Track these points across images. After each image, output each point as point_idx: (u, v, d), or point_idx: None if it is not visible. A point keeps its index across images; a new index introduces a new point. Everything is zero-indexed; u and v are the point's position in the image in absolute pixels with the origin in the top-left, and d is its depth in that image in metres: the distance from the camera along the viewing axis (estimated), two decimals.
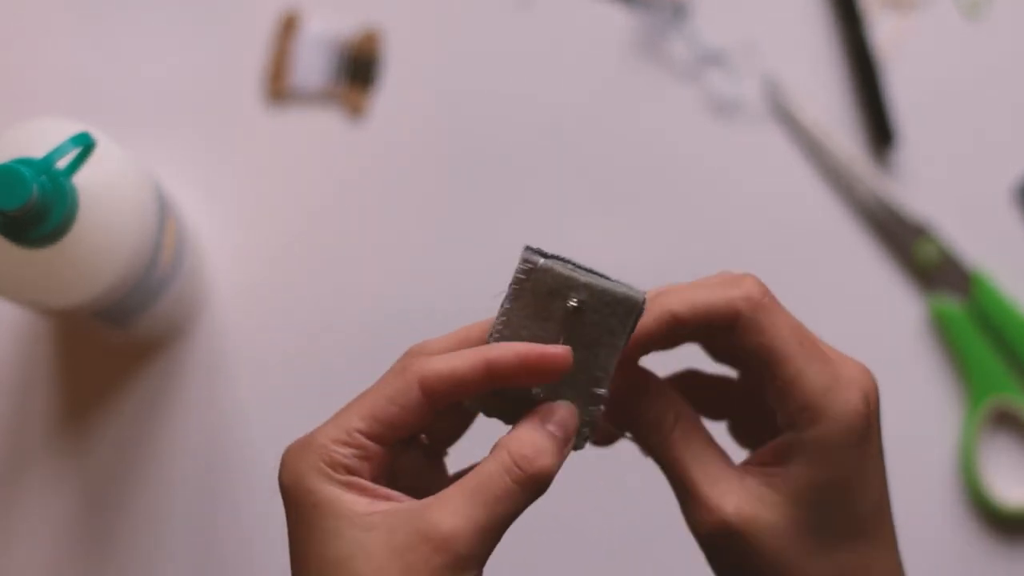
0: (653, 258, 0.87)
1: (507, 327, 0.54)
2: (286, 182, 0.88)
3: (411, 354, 0.54)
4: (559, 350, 0.53)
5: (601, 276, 0.54)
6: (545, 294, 0.54)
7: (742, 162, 0.89)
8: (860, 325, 0.87)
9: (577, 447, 0.54)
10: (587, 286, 0.53)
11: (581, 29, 0.89)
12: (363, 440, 0.52)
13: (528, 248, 0.54)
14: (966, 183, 0.89)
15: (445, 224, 0.88)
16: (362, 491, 0.52)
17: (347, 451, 0.52)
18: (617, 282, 0.54)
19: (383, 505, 0.51)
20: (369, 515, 0.51)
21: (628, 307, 0.53)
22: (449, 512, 0.50)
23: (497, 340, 0.54)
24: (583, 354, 0.54)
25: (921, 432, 0.86)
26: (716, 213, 0.88)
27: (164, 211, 0.74)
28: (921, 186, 0.89)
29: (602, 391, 0.54)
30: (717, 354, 0.59)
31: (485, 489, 0.51)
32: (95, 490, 0.85)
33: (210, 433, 0.86)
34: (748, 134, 0.89)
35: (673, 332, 0.54)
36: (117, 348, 0.86)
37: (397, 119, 0.88)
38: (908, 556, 0.57)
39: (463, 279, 0.87)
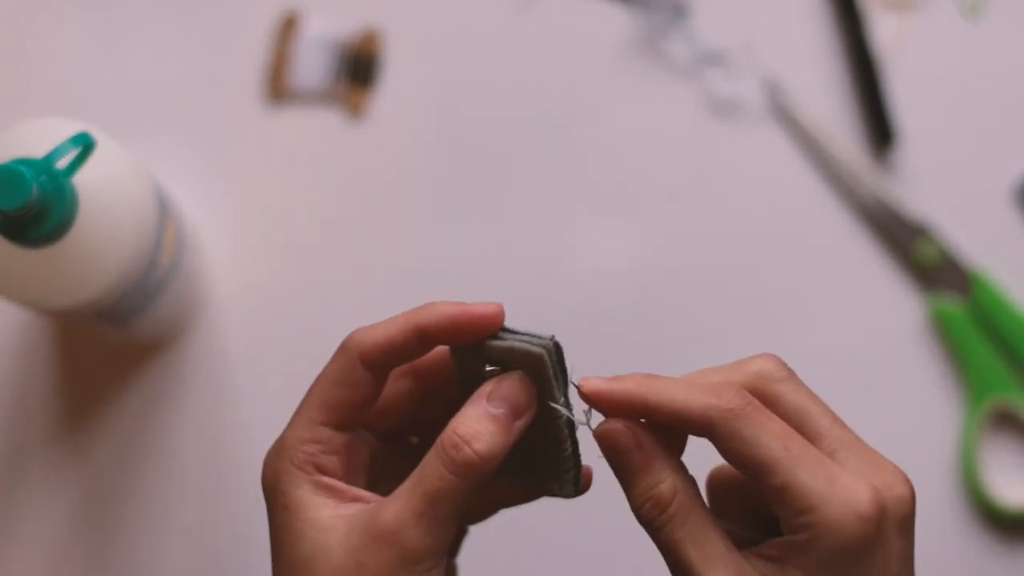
0: (653, 258, 0.87)
1: (457, 407, 0.54)
2: (286, 182, 0.88)
3: (349, 335, 0.55)
4: (487, 307, 0.53)
5: (514, 333, 0.54)
6: (472, 366, 0.54)
7: (742, 162, 0.88)
8: (860, 325, 0.87)
9: (566, 495, 0.54)
10: (495, 348, 0.53)
11: (581, 29, 0.89)
12: (327, 432, 0.54)
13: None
14: (966, 183, 0.89)
15: (445, 224, 0.88)
16: (331, 492, 0.53)
17: (313, 448, 0.54)
18: (526, 336, 0.53)
19: (350, 508, 0.53)
20: (333, 518, 0.52)
21: (537, 361, 0.53)
22: (394, 508, 0.51)
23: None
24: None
25: (921, 432, 0.86)
26: (716, 213, 0.88)
27: (164, 211, 0.74)
28: (921, 186, 0.89)
29: (564, 437, 0.54)
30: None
31: (424, 480, 0.51)
32: (95, 489, 0.85)
33: (209, 433, 0.86)
34: (748, 134, 0.89)
35: (649, 421, 0.53)
36: (117, 348, 0.86)
37: (397, 119, 0.88)
38: None
39: (463, 279, 0.87)
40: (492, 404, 0.52)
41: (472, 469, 0.51)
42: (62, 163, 0.64)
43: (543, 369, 0.53)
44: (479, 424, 0.52)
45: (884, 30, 0.90)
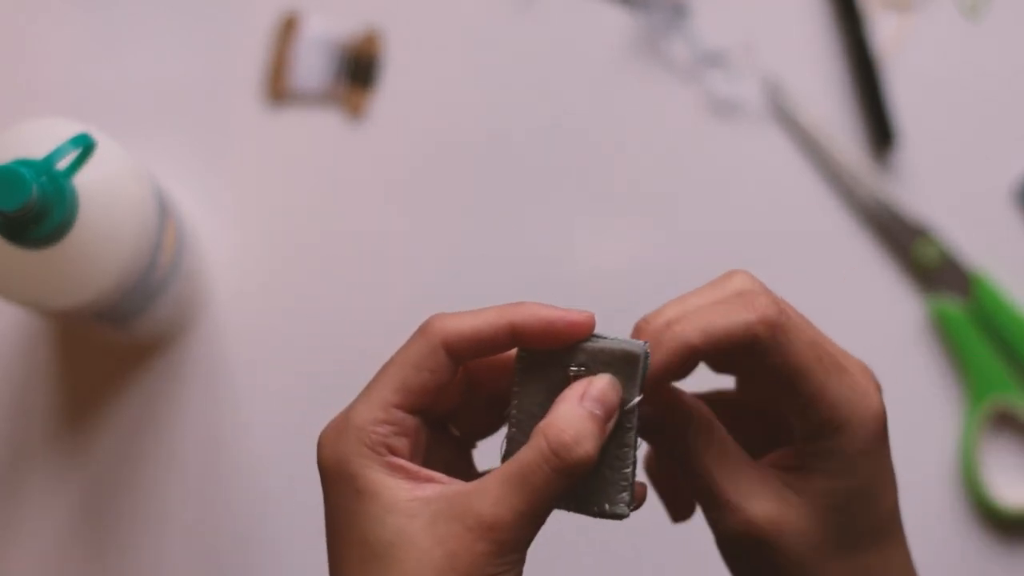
0: (653, 258, 0.87)
1: (520, 409, 0.54)
2: (286, 183, 0.88)
3: (430, 320, 0.54)
4: (582, 314, 0.53)
5: (599, 337, 0.53)
6: (548, 368, 0.53)
7: (742, 162, 0.89)
8: (860, 325, 0.87)
9: (620, 515, 0.53)
10: (583, 350, 0.53)
11: (581, 29, 0.89)
12: (400, 415, 0.53)
13: None
14: (966, 183, 0.89)
15: (445, 224, 0.88)
16: (405, 474, 0.52)
17: (386, 429, 0.52)
18: (614, 339, 0.53)
19: (426, 489, 0.52)
20: (411, 501, 0.51)
21: (630, 361, 0.53)
22: (491, 500, 0.51)
23: (513, 423, 0.54)
24: None
25: (921, 432, 0.86)
26: (715, 213, 0.88)
27: (164, 212, 0.74)
28: (921, 186, 0.89)
29: (630, 448, 0.53)
30: (719, 367, 0.58)
31: (525, 477, 0.51)
32: (95, 490, 0.85)
33: (209, 433, 0.86)
34: (748, 134, 0.89)
35: (692, 362, 0.54)
36: (117, 348, 0.86)
37: (397, 120, 0.88)
38: None
39: (463, 278, 0.87)
40: (589, 404, 0.52)
41: (581, 470, 0.51)
42: (62, 164, 0.64)
43: (633, 372, 0.53)
44: (582, 425, 0.51)
45: (884, 30, 0.90)
